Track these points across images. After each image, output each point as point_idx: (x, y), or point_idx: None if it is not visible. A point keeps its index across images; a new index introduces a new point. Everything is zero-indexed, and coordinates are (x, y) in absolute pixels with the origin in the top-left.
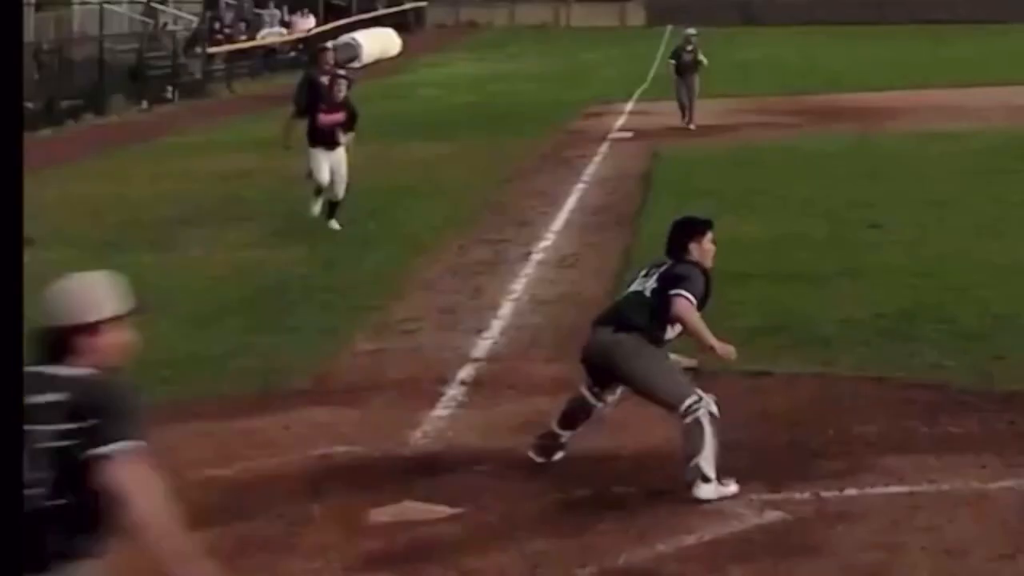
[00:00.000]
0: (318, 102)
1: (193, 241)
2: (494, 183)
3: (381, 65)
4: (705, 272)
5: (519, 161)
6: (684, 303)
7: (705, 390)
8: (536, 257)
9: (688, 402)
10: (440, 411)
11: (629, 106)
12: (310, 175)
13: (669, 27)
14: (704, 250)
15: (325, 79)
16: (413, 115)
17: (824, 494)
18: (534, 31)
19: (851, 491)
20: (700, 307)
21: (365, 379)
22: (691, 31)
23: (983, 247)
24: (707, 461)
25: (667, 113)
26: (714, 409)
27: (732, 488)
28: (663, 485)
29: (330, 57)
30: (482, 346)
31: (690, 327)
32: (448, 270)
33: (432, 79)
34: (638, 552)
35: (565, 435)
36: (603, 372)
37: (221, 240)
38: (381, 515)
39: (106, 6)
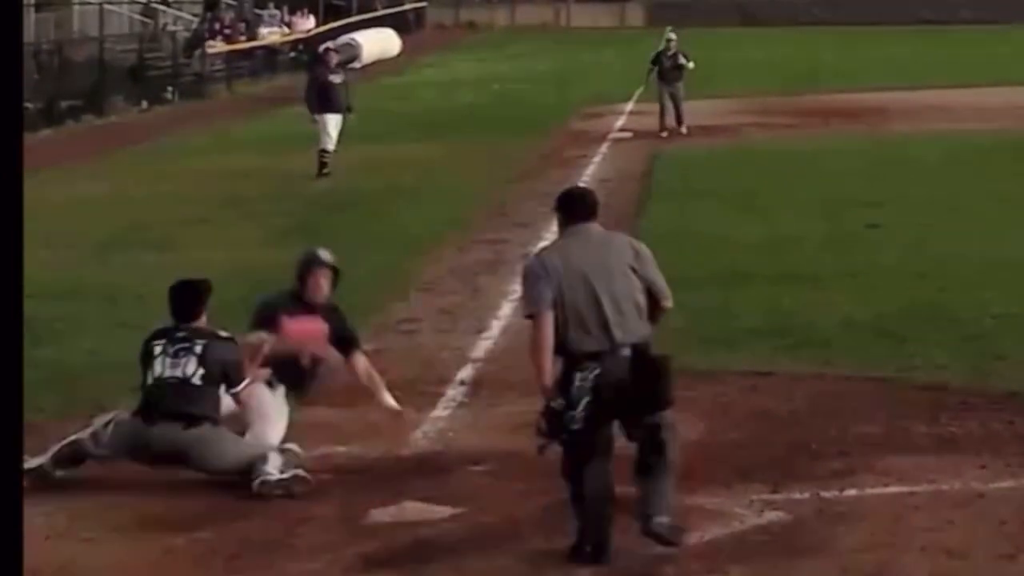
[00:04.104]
0: (283, 305)
1: (193, 241)
2: (494, 184)
3: (381, 66)
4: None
5: (519, 162)
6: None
7: (706, 390)
8: None
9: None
10: (440, 411)
11: (629, 106)
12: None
13: (668, 28)
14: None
15: None
16: (413, 116)
17: (824, 494)
18: (534, 31)
19: (851, 491)
20: None
21: None
22: (671, 35)
23: (983, 247)
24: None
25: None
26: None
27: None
28: None
29: (334, 58)
30: (482, 346)
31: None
32: (448, 271)
33: (432, 79)
34: (638, 552)
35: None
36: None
37: (221, 240)
38: (381, 515)
39: (106, 7)
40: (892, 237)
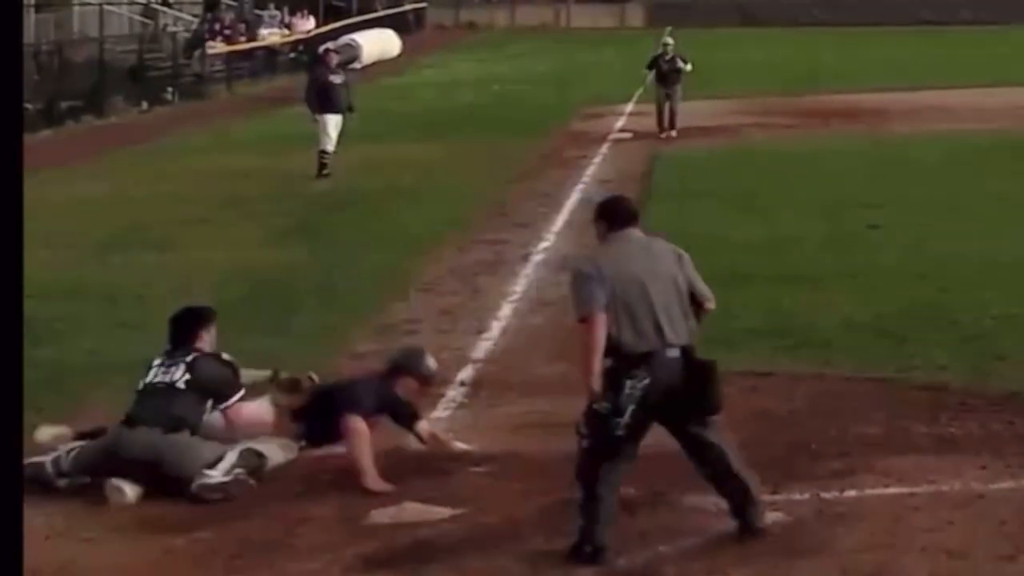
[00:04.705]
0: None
1: (193, 241)
2: (494, 184)
3: (381, 66)
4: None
5: (519, 162)
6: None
7: None
8: (536, 258)
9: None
10: (440, 412)
11: (629, 107)
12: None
13: (668, 28)
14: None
15: None
16: (413, 116)
17: (824, 495)
18: (534, 32)
19: (851, 492)
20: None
21: None
22: (668, 39)
23: (983, 247)
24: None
25: None
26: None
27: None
28: (663, 485)
29: (334, 59)
30: (482, 347)
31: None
32: (448, 271)
33: (432, 80)
34: (638, 552)
35: None
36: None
37: (221, 240)
38: (381, 515)
39: (106, 7)
40: (892, 237)
